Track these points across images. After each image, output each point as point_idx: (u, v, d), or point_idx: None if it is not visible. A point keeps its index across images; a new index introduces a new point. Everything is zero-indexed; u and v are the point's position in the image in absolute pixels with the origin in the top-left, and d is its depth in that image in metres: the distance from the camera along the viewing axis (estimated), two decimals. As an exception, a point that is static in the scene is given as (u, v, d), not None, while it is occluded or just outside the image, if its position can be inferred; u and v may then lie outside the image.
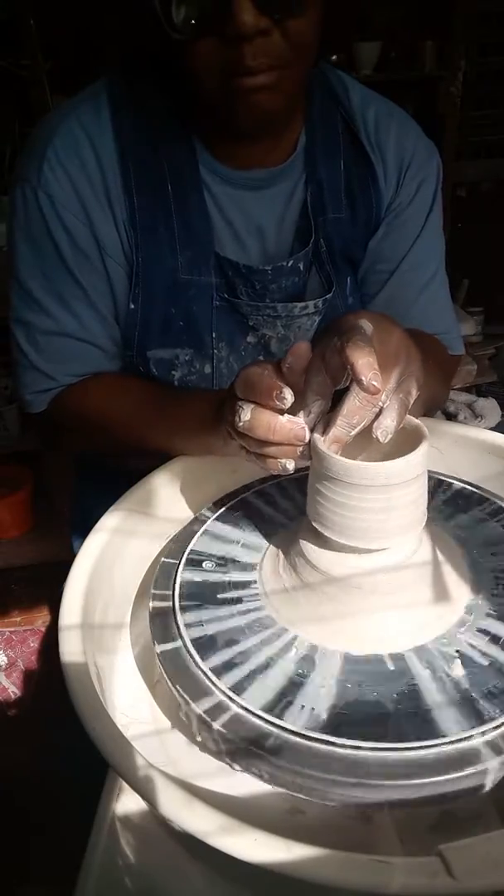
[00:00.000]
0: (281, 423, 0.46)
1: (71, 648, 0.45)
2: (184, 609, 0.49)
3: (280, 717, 0.40)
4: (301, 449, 0.47)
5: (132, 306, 0.69)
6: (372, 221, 0.74)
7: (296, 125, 0.70)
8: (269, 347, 0.74)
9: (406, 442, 0.45)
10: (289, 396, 0.45)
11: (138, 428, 0.67)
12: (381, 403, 0.45)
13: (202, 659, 0.45)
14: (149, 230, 0.67)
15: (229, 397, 0.50)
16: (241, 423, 0.47)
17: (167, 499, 0.63)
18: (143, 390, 0.70)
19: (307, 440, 0.46)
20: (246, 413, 0.47)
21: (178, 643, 0.46)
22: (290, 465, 0.48)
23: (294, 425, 0.46)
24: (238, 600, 0.50)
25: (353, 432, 0.45)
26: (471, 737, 0.38)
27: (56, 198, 0.64)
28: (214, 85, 0.58)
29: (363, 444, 0.51)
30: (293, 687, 0.42)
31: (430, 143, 0.76)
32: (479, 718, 0.39)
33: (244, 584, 0.51)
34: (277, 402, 0.45)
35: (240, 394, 0.48)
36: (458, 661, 0.43)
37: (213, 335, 0.71)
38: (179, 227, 0.67)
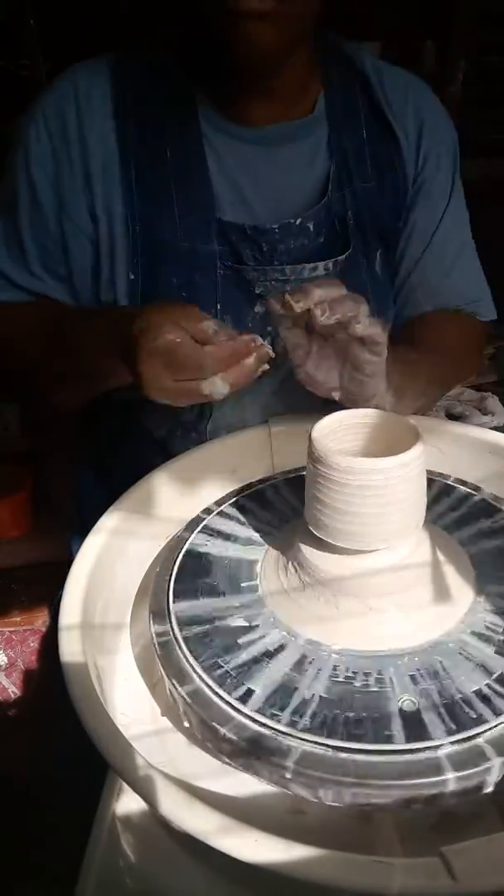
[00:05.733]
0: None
1: (71, 648, 0.45)
2: (183, 608, 0.49)
3: (277, 716, 0.40)
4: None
5: (132, 276, 0.68)
6: (400, 190, 0.74)
7: (309, 84, 0.70)
8: None
9: (402, 441, 0.45)
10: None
11: (42, 338, 0.67)
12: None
13: (200, 657, 0.45)
14: (147, 196, 0.66)
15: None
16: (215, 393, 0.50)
17: (166, 499, 0.63)
18: (51, 307, 0.71)
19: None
20: (221, 387, 0.50)
21: (177, 641, 0.46)
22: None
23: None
24: (237, 600, 0.50)
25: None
26: (468, 737, 0.38)
27: (32, 151, 0.67)
28: (211, 11, 0.57)
29: (362, 444, 0.51)
30: (291, 686, 0.42)
31: (443, 109, 0.76)
32: (477, 720, 0.39)
33: (243, 585, 0.51)
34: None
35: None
36: (456, 662, 0.43)
37: (218, 306, 0.69)
38: (179, 193, 0.67)
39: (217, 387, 0.50)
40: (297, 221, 0.68)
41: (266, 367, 0.53)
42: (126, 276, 0.68)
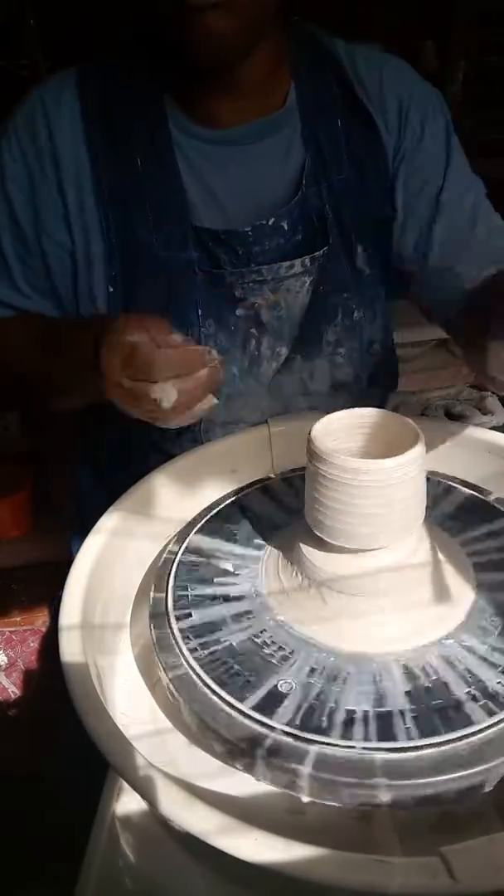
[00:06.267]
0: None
1: (71, 649, 0.45)
2: (183, 608, 0.49)
3: (277, 716, 0.40)
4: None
5: (111, 289, 0.68)
6: (381, 176, 0.71)
7: (278, 78, 0.68)
8: (259, 317, 0.70)
9: (402, 441, 0.45)
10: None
11: (25, 347, 0.69)
12: None
13: (201, 657, 0.45)
14: (120, 208, 0.66)
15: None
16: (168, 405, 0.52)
17: (166, 499, 0.63)
18: (34, 321, 0.72)
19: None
20: (171, 394, 0.51)
21: (177, 643, 0.46)
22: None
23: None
24: (238, 600, 0.50)
25: None
26: (468, 736, 0.38)
27: (7, 167, 0.67)
28: (165, 7, 0.57)
29: (362, 443, 0.51)
30: (292, 687, 0.42)
31: (426, 83, 0.73)
32: (476, 719, 0.39)
33: (244, 584, 0.51)
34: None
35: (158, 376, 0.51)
36: (456, 662, 0.43)
37: (199, 312, 0.68)
38: (152, 203, 0.66)
39: (167, 392, 0.51)
40: (270, 222, 0.67)
41: (215, 401, 0.55)
42: (105, 289, 0.68)
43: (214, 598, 0.50)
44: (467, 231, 0.71)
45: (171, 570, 0.53)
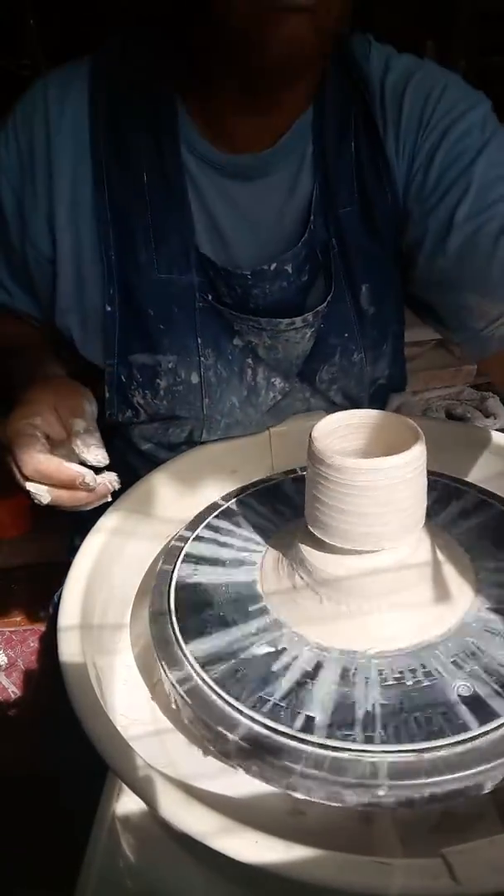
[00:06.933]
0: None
1: (70, 649, 0.45)
2: (183, 608, 0.49)
3: (279, 717, 0.40)
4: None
5: (108, 308, 0.64)
6: (390, 211, 0.64)
7: (300, 99, 0.62)
8: (256, 352, 0.67)
9: (403, 441, 0.45)
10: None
11: None
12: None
13: (202, 658, 0.45)
14: (122, 223, 0.63)
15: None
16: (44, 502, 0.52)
17: (166, 499, 0.63)
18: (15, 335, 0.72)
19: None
20: (44, 495, 0.51)
21: (177, 643, 0.46)
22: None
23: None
24: (237, 601, 0.50)
25: None
26: (471, 738, 0.38)
27: (2, 161, 0.64)
28: (242, 6, 0.50)
29: (362, 444, 0.50)
30: (292, 687, 0.42)
31: (468, 87, 0.64)
32: (479, 719, 0.39)
33: (244, 585, 0.51)
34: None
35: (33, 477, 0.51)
36: (456, 661, 0.43)
37: (199, 341, 0.65)
38: (155, 221, 0.62)
39: (39, 493, 0.51)
40: (272, 266, 0.63)
41: (108, 498, 0.55)
42: (103, 307, 0.65)
43: (214, 599, 0.50)
44: (488, 246, 0.59)
45: (170, 570, 0.52)
